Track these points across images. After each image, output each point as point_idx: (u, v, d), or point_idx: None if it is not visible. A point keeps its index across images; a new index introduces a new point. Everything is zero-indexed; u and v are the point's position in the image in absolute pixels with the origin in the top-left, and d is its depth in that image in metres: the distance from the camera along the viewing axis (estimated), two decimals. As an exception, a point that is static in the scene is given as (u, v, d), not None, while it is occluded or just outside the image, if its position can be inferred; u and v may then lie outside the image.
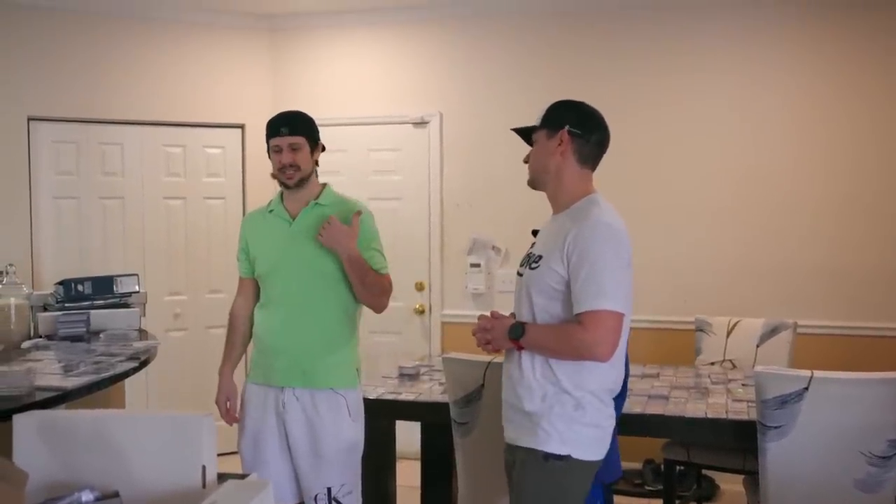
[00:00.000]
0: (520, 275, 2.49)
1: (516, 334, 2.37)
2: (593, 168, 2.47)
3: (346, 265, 2.91)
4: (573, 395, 2.32)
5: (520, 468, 2.39)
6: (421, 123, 5.42)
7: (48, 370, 2.96)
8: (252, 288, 3.14)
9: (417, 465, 4.62)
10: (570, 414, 2.32)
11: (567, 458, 2.32)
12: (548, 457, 2.32)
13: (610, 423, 2.40)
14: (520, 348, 2.39)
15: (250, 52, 5.61)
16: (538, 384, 2.35)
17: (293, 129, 2.98)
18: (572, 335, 2.29)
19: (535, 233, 2.79)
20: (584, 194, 2.43)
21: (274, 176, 3.04)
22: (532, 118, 2.54)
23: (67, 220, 5.16)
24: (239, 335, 3.18)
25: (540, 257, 2.41)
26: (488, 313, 2.49)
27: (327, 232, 2.88)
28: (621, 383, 2.46)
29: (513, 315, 2.49)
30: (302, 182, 2.99)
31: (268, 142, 3.02)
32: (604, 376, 2.36)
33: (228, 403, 3.10)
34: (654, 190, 4.83)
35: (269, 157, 3.04)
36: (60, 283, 3.97)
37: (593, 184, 2.47)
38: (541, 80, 5.06)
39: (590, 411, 2.33)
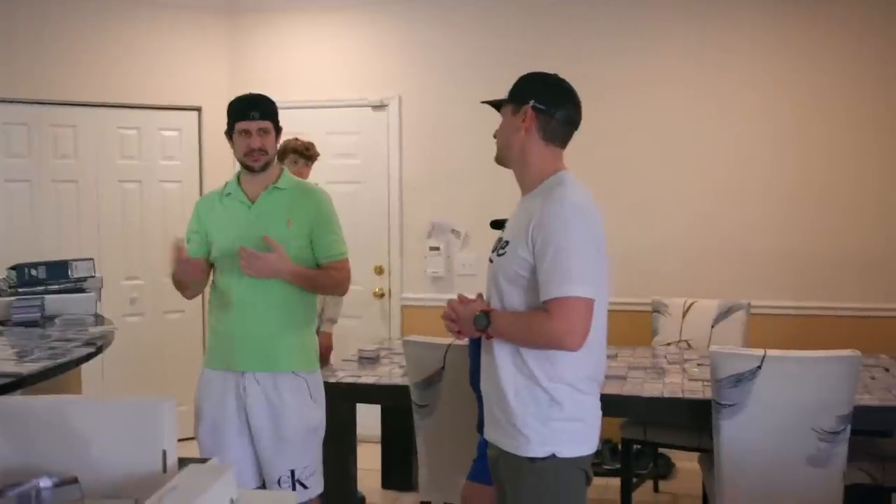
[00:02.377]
0: (491, 262, 2.35)
1: (481, 325, 2.24)
2: (562, 146, 2.31)
3: (293, 281, 2.92)
4: (546, 389, 2.18)
5: (508, 474, 2.28)
6: (380, 107, 5.40)
7: (2, 356, 2.92)
8: (204, 267, 3.08)
9: (378, 448, 4.64)
10: (545, 411, 2.19)
11: (552, 457, 2.18)
12: (533, 460, 2.19)
13: (594, 412, 2.28)
14: (488, 338, 2.27)
15: (208, 34, 5.54)
16: (510, 376, 2.22)
17: (263, 113, 2.97)
18: (539, 324, 2.14)
19: (493, 224, 2.78)
20: (551, 173, 2.27)
21: (238, 159, 3.02)
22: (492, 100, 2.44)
23: (19, 204, 5.06)
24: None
25: (507, 243, 2.26)
26: (455, 296, 2.38)
27: (255, 266, 2.84)
28: (603, 369, 2.33)
29: (480, 297, 2.37)
30: (266, 166, 2.98)
31: (233, 124, 2.98)
32: (579, 364, 2.20)
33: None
34: (611, 173, 4.87)
35: (232, 138, 3.01)
36: (13, 267, 3.91)
37: (563, 162, 2.32)
38: (502, 64, 5.04)
39: (567, 405, 2.19)
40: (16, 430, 1.78)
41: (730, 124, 4.91)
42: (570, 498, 2.23)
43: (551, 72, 2.37)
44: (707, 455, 3.40)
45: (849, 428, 2.96)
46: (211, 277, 3.11)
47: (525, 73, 2.37)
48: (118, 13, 5.24)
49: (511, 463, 2.25)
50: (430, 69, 5.33)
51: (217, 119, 5.32)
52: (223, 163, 5.44)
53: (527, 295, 2.20)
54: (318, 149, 4.35)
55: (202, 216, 3.10)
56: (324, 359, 3.85)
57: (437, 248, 5.31)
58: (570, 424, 2.21)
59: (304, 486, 2.98)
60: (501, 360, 2.24)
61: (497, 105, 2.38)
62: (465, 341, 2.85)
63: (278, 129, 3.03)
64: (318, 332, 4.32)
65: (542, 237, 2.14)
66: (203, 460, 1.75)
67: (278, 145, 3.06)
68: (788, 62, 4.83)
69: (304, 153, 4.25)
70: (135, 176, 5.36)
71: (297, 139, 4.26)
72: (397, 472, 4.61)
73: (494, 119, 2.44)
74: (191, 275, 2.98)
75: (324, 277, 3.02)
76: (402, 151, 5.38)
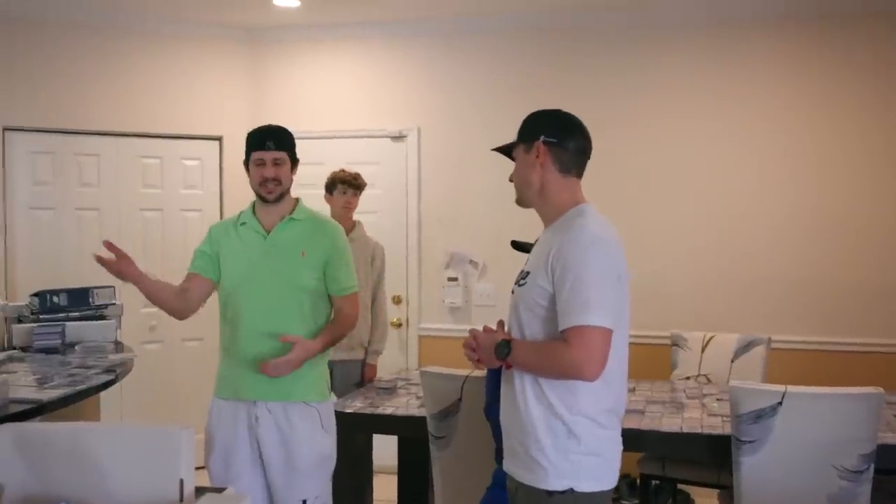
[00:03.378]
0: (513, 292, 2.35)
1: (502, 354, 2.24)
2: (578, 175, 2.34)
3: (322, 351, 2.96)
4: (565, 421, 2.18)
5: None
6: (399, 137, 5.44)
7: (23, 382, 2.94)
8: (198, 284, 3.05)
9: (394, 480, 4.61)
10: (563, 444, 2.18)
11: (570, 491, 2.17)
12: (551, 493, 2.18)
13: (614, 447, 2.27)
14: (508, 367, 2.27)
15: (229, 65, 5.61)
16: (530, 407, 2.21)
17: (278, 143, 2.99)
18: (557, 353, 2.13)
19: (514, 244, 2.78)
20: (571, 205, 2.30)
21: (254, 189, 3.04)
22: (511, 134, 2.47)
23: (43, 231, 5.11)
24: (171, 287, 3.09)
25: (528, 273, 2.28)
26: (480, 328, 2.38)
27: (287, 370, 2.86)
28: (623, 402, 2.31)
29: (501, 326, 2.38)
30: (281, 197, 3.00)
31: (249, 154, 3.01)
32: (599, 396, 2.19)
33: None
34: (631, 205, 4.87)
35: (248, 168, 3.03)
36: (36, 294, 3.94)
37: (582, 193, 2.35)
38: (519, 97, 5.09)
39: (585, 439, 2.18)
40: (35, 457, 1.79)
41: (749, 156, 4.90)
42: None
43: (555, 108, 2.40)
44: (727, 492, 3.35)
45: (872, 467, 2.91)
46: (220, 309, 3.10)
47: (544, 105, 2.40)
48: (142, 45, 5.32)
49: (529, 495, 2.23)
50: (449, 101, 5.36)
51: (238, 148, 5.39)
52: (243, 192, 5.44)
53: (546, 325, 2.21)
54: (328, 178, 4.40)
55: (215, 240, 3.10)
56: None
57: (455, 279, 5.31)
58: (587, 459, 2.19)
59: None
60: (521, 390, 2.24)
61: (507, 151, 2.42)
62: (483, 372, 2.84)
63: (294, 161, 3.05)
64: (363, 363, 4.38)
65: (560, 266, 2.16)
66: (219, 490, 1.75)
67: (294, 176, 3.07)
68: (804, 92, 4.83)
69: (352, 183, 4.33)
70: (156, 204, 5.41)
71: (343, 170, 4.38)
72: (414, 503, 4.58)
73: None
74: (125, 276, 2.94)
75: (339, 329, 3.04)
76: (420, 182, 5.41)
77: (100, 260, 2.87)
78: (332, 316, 3.08)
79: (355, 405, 3.66)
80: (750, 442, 2.96)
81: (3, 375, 2.91)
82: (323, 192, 4.42)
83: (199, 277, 3.06)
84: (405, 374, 4.51)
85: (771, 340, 4.40)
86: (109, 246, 2.87)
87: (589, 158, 2.36)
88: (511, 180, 2.41)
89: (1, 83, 4.93)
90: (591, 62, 5.10)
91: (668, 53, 5.02)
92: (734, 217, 4.91)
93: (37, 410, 2.62)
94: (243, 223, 3.06)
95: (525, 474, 2.24)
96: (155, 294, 3.05)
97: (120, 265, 2.91)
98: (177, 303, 3.08)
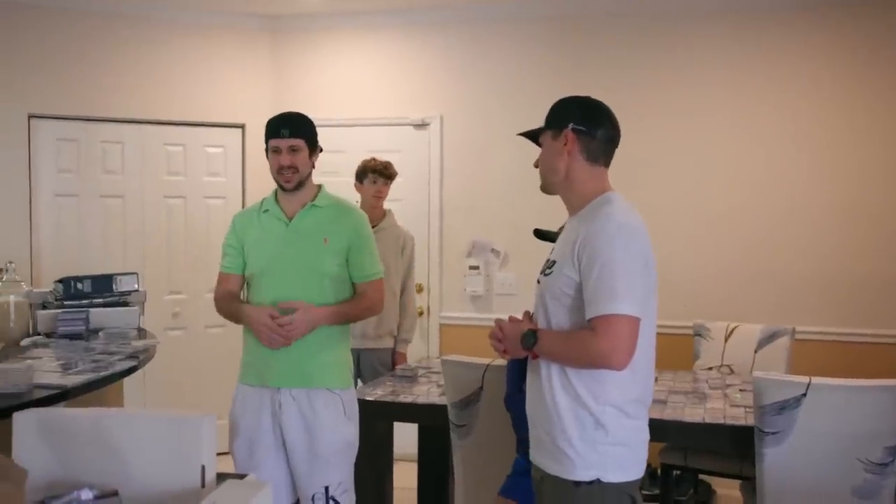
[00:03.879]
0: (538, 282, 2.33)
1: (529, 343, 2.23)
2: (606, 164, 2.31)
3: (331, 323, 2.96)
4: (592, 412, 2.16)
5: (552, 497, 2.25)
6: (421, 125, 5.43)
7: (47, 368, 2.96)
8: (239, 283, 3.10)
9: (414, 468, 4.62)
10: (590, 434, 2.17)
11: (597, 482, 2.16)
12: (578, 483, 2.17)
13: (641, 436, 2.25)
14: (535, 357, 2.26)
15: (252, 53, 5.62)
16: (556, 397, 2.20)
17: (294, 131, 2.98)
18: (585, 343, 2.12)
19: (537, 233, 2.77)
20: (598, 193, 2.27)
21: (273, 177, 3.04)
22: (533, 122, 2.46)
23: (67, 218, 5.16)
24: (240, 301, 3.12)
25: (554, 262, 2.26)
26: (502, 316, 2.37)
27: (292, 334, 2.86)
28: (650, 391, 2.29)
29: (527, 316, 2.37)
30: (300, 184, 3.00)
31: (267, 142, 3.02)
32: (626, 386, 2.17)
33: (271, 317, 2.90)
34: (655, 194, 4.83)
35: (267, 156, 3.03)
36: (60, 280, 3.97)
37: (608, 182, 2.32)
38: (542, 84, 5.07)
39: (612, 429, 2.17)
40: (59, 442, 1.81)
41: (773, 147, 4.85)
42: None
43: (584, 94, 2.37)
44: (749, 483, 3.33)
45: (897, 459, 2.88)
46: (245, 294, 3.13)
47: (561, 97, 2.37)
48: (166, 34, 5.34)
49: (556, 486, 2.22)
50: (472, 89, 5.34)
51: (260, 136, 5.42)
52: (266, 179, 5.45)
53: (573, 314, 2.19)
54: (359, 166, 4.41)
55: (239, 231, 3.11)
56: None
57: (477, 268, 5.30)
58: (614, 449, 2.18)
59: (337, 503, 2.98)
60: (548, 380, 2.23)
61: (534, 136, 2.39)
62: (499, 359, 2.83)
63: (313, 148, 3.04)
64: (393, 352, 4.40)
65: (587, 255, 2.14)
66: (240, 476, 1.76)
67: (314, 163, 3.06)
68: (831, 87, 4.76)
69: (382, 172, 4.34)
70: (180, 192, 5.44)
71: (374, 159, 4.38)
72: (434, 491, 4.58)
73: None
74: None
75: (356, 308, 3.03)
76: (443, 170, 5.40)
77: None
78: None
79: (376, 393, 3.67)
80: (773, 433, 2.94)
81: (28, 361, 2.94)
82: (345, 179, 4.42)
83: (237, 277, 3.09)
84: (426, 363, 4.52)
85: (795, 331, 4.36)
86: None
87: (617, 147, 2.34)
88: (536, 166, 2.38)
89: (27, 71, 4.97)
90: (611, 49, 5.06)
91: (689, 43, 4.97)
92: (760, 210, 4.86)
93: (61, 396, 2.64)
94: (266, 210, 3.07)
95: (551, 464, 2.23)
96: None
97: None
98: None
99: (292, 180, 2.98)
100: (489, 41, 5.30)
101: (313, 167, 3.06)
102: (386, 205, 4.47)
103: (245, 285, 3.12)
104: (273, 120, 3.04)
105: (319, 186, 3.11)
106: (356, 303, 3.04)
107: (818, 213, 4.79)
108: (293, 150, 2.97)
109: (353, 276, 3.04)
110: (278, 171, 2.98)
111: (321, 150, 3.09)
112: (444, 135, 5.39)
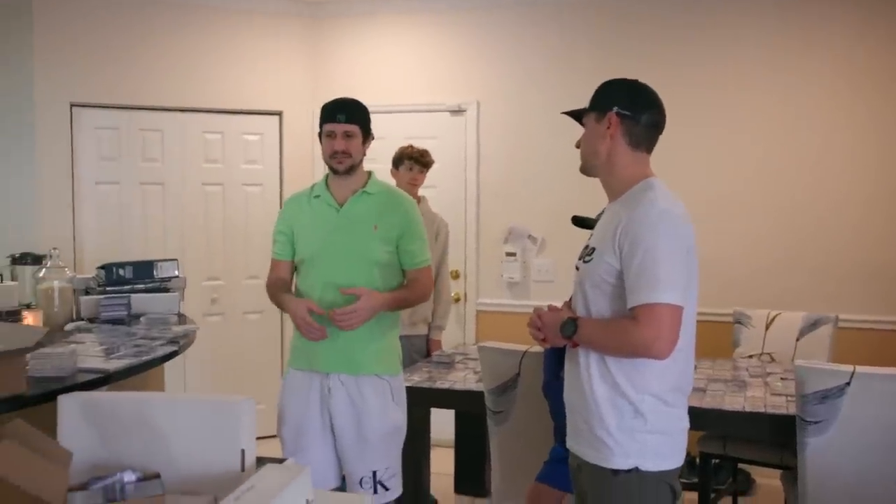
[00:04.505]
0: (577, 269, 2.30)
1: (568, 332, 2.20)
2: (648, 150, 2.27)
3: (390, 309, 2.97)
4: (631, 400, 2.14)
5: (590, 485, 2.24)
6: (458, 112, 5.41)
7: (90, 352, 3.01)
8: (289, 269, 3.13)
9: (451, 453, 4.64)
10: (629, 423, 2.15)
11: (635, 470, 2.14)
12: (616, 472, 2.15)
13: (680, 425, 2.23)
14: (574, 345, 2.23)
15: (289, 40, 5.63)
16: (594, 385, 2.18)
17: (349, 116, 2.99)
18: (626, 331, 2.09)
19: (575, 220, 2.75)
20: (639, 179, 2.23)
21: (325, 161, 3.06)
22: (569, 107, 2.41)
23: (109, 206, 5.23)
24: (288, 290, 3.14)
25: (594, 249, 2.23)
26: (539, 303, 2.35)
27: (354, 322, 2.85)
28: (690, 380, 2.26)
29: (567, 305, 2.35)
30: (351, 169, 3.01)
31: (321, 126, 3.02)
32: (665, 374, 2.15)
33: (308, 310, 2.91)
34: (696, 181, 4.77)
35: (321, 141, 3.04)
36: (102, 267, 4.02)
37: (650, 168, 2.28)
38: (579, 69, 5.02)
39: (651, 418, 2.14)
40: (102, 425, 1.83)
41: (816, 131, 4.76)
42: None
43: (631, 77, 2.33)
44: (790, 473, 3.29)
45: (943, 450, 2.83)
46: (295, 280, 3.15)
47: (605, 80, 2.34)
48: (204, 21, 5.38)
49: (593, 474, 2.21)
50: (508, 75, 5.31)
51: (298, 123, 5.41)
52: (303, 166, 5.54)
53: (613, 302, 2.17)
54: (395, 153, 4.41)
55: (288, 217, 3.13)
56: None
57: (514, 254, 5.29)
58: (653, 437, 2.16)
59: (386, 488, 3.00)
60: (586, 369, 2.21)
61: (578, 116, 2.35)
62: (536, 346, 2.82)
63: (367, 135, 3.05)
64: (427, 338, 4.41)
65: (629, 242, 2.11)
66: (280, 460, 1.77)
67: (366, 150, 3.07)
68: (877, 69, 4.65)
69: (419, 160, 4.34)
70: (218, 179, 5.48)
71: (411, 146, 4.38)
72: (470, 477, 4.60)
73: (572, 124, 2.42)
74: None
75: (413, 294, 3.05)
76: (479, 156, 5.38)
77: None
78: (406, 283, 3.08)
79: (413, 379, 3.68)
80: (816, 422, 2.90)
81: (72, 345, 2.99)
82: (382, 165, 4.42)
83: (287, 263, 3.12)
84: (463, 349, 4.52)
85: (838, 319, 4.29)
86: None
87: (661, 133, 2.30)
88: (578, 146, 2.35)
89: (68, 59, 5.03)
90: (653, 33, 4.99)
91: (729, 22, 4.88)
92: (804, 195, 4.78)
93: (103, 380, 2.68)
94: (317, 196, 3.08)
95: (589, 452, 2.22)
96: None
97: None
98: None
99: (344, 163, 2.99)
100: (526, 26, 5.26)
101: (364, 154, 3.07)
102: (421, 191, 4.47)
103: (295, 270, 3.13)
104: (329, 104, 3.05)
105: (370, 173, 3.11)
106: (412, 289, 3.05)
107: (862, 199, 4.69)
108: (347, 135, 2.98)
109: (403, 263, 3.04)
110: (331, 156, 2.99)
111: (373, 138, 3.10)
112: (481, 121, 5.36)
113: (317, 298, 2.99)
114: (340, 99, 3.08)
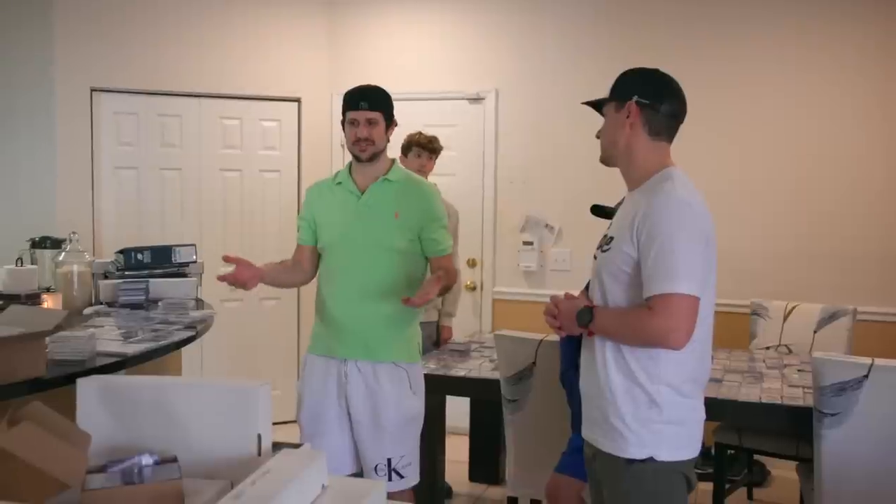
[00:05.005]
0: (595, 258, 2.30)
1: (584, 321, 2.19)
2: (669, 140, 2.26)
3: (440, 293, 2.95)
4: (646, 390, 2.13)
5: (605, 474, 2.24)
6: (477, 100, 5.39)
7: (109, 336, 3.03)
8: (308, 255, 3.15)
9: (466, 441, 4.65)
10: (644, 413, 2.14)
11: (650, 460, 2.14)
12: (631, 461, 2.15)
13: (696, 416, 2.22)
14: (590, 334, 2.23)
15: (307, 26, 5.63)
16: (610, 374, 2.17)
17: (372, 103, 2.99)
18: (642, 321, 2.08)
19: (594, 209, 2.74)
20: (658, 169, 2.22)
21: (349, 149, 3.05)
22: (588, 97, 2.41)
23: (127, 190, 5.25)
24: (286, 267, 3.18)
25: (612, 239, 2.22)
26: (555, 292, 2.35)
27: (425, 298, 2.81)
28: (707, 371, 2.26)
29: (584, 294, 2.34)
30: (374, 157, 3.01)
31: (344, 113, 3.02)
32: (681, 364, 2.14)
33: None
34: (714, 172, 4.73)
35: (343, 128, 3.04)
36: (121, 251, 4.05)
37: (670, 158, 2.26)
38: (598, 59, 4.99)
39: (666, 408, 2.14)
40: (120, 408, 1.85)
41: (834, 122, 4.72)
42: (670, 503, 2.19)
43: (651, 67, 2.32)
44: (806, 464, 3.28)
45: (961, 444, 2.81)
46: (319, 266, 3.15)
47: (624, 69, 2.33)
48: (223, 7, 5.38)
49: (608, 463, 2.21)
50: (527, 63, 5.29)
51: (316, 110, 5.40)
52: (321, 153, 5.54)
53: (630, 291, 2.16)
54: (404, 140, 4.39)
55: (311, 204, 3.15)
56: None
57: (531, 243, 5.28)
58: (668, 427, 2.15)
59: (401, 476, 3.00)
60: (602, 358, 2.20)
61: (598, 105, 2.34)
62: (552, 335, 2.81)
63: (390, 122, 3.04)
64: (437, 325, 4.41)
65: (646, 232, 2.10)
66: (296, 445, 1.77)
67: (388, 137, 3.07)
68: (882, 64, 4.61)
69: (427, 146, 4.33)
70: (236, 165, 5.50)
71: (420, 133, 4.37)
72: (485, 465, 4.61)
73: (590, 114, 2.41)
74: (248, 279, 2.95)
75: (448, 279, 2.96)
76: (497, 145, 5.37)
77: (223, 279, 2.92)
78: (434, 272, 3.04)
79: (429, 366, 3.69)
80: (833, 415, 2.88)
81: (91, 329, 3.01)
82: (399, 153, 4.42)
83: (307, 248, 3.13)
84: (479, 337, 4.52)
85: (857, 312, 4.26)
86: (227, 259, 2.92)
87: (681, 123, 2.28)
88: (598, 137, 2.34)
89: (89, 45, 5.05)
90: (675, 24, 4.95)
91: (746, 15, 4.82)
92: (822, 186, 4.74)
93: (122, 364, 2.70)
94: (339, 183, 3.09)
95: (604, 441, 2.22)
96: (277, 281, 3.19)
97: (243, 275, 2.92)
98: (297, 277, 3.20)
99: (367, 151, 2.98)
100: (545, 13, 5.23)
101: (388, 141, 3.07)
102: (439, 179, 4.46)
103: (319, 257, 3.13)
104: (352, 92, 3.04)
105: (393, 161, 3.11)
106: (447, 276, 2.96)
107: (880, 190, 4.65)
108: (370, 122, 2.98)
109: (426, 251, 3.03)
110: (354, 143, 2.99)
111: (396, 125, 3.09)
112: (499, 109, 5.35)
113: (338, 284, 3.00)
114: (363, 86, 3.07)
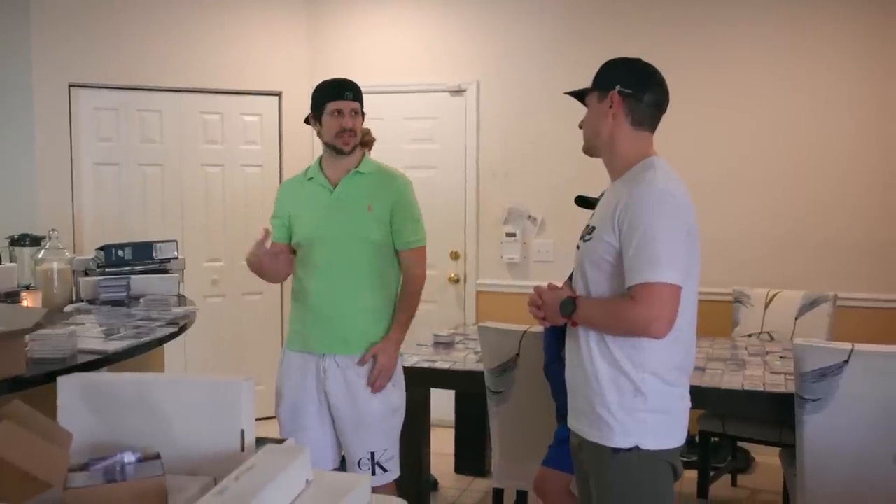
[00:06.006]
0: (578, 248, 2.31)
1: (568, 311, 2.21)
2: (651, 129, 2.26)
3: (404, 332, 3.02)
4: (631, 379, 2.14)
5: (591, 464, 2.25)
6: (458, 92, 5.39)
7: (90, 334, 3.01)
8: (283, 252, 3.11)
9: (451, 433, 4.65)
10: (629, 402, 2.14)
11: (636, 449, 2.15)
12: (616, 450, 2.16)
13: (681, 404, 2.23)
14: (574, 324, 2.23)
15: (287, 20, 5.60)
16: (595, 364, 2.18)
17: (356, 94, 2.98)
18: (624, 311, 2.09)
19: (578, 200, 2.74)
20: (641, 158, 2.22)
21: (327, 141, 3.00)
22: (569, 87, 2.39)
23: (108, 187, 5.22)
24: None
25: (594, 228, 2.22)
26: (539, 283, 2.35)
27: (386, 378, 2.95)
28: (692, 359, 2.26)
29: (567, 285, 2.34)
30: (354, 148, 2.99)
31: (325, 104, 2.97)
32: (666, 353, 2.14)
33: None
34: (696, 160, 4.74)
35: (321, 120, 2.99)
36: (101, 248, 4.02)
37: (653, 147, 2.27)
38: (580, 49, 4.99)
39: (651, 397, 2.14)
40: (102, 406, 1.84)
41: (816, 109, 4.74)
42: (656, 491, 2.20)
43: (634, 57, 2.32)
44: (789, 450, 3.31)
45: (941, 427, 2.84)
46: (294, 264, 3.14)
47: (606, 59, 2.33)
48: (202, 1, 5.34)
49: (594, 453, 2.22)
50: (508, 55, 5.28)
51: (297, 104, 5.38)
52: (303, 147, 5.52)
53: (612, 281, 2.16)
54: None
55: (283, 202, 3.12)
56: None
57: (514, 235, 5.28)
58: (653, 416, 2.16)
59: (384, 470, 3.00)
60: (586, 347, 2.21)
61: (580, 95, 2.34)
62: (536, 326, 2.82)
63: (363, 114, 3.04)
64: None
65: (628, 221, 2.10)
66: (280, 440, 1.77)
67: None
68: (881, 50, 4.63)
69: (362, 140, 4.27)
70: (217, 160, 5.47)
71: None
72: (470, 457, 4.62)
73: (573, 105, 2.41)
74: (269, 265, 2.98)
75: (411, 299, 3.03)
76: (479, 137, 5.36)
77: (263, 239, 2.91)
78: (402, 281, 3.04)
79: (413, 359, 3.69)
80: (814, 400, 2.91)
81: (72, 327, 2.99)
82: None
83: (282, 245, 3.09)
84: (463, 330, 4.53)
85: (837, 298, 4.30)
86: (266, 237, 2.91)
87: (664, 112, 2.28)
88: (581, 127, 2.34)
89: (66, 40, 5.00)
90: (659, 12, 4.95)
91: (731, 3, 4.84)
92: (803, 173, 4.77)
93: (103, 361, 2.68)
94: (310, 178, 3.07)
95: (590, 431, 2.22)
96: (273, 268, 3.08)
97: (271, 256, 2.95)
98: (280, 273, 3.13)
99: (350, 143, 2.96)
100: (526, 5, 5.23)
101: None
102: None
103: (294, 254, 3.11)
104: (333, 82, 3.02)
105: (363, 153, 3.10)
106: (408, 295, 3.03)
107: (862, 178, 4.68)
108: (354, 112, 2.97)
109: (396, 243, 3.02)
110: (338, 134, 2.95)
111: (364, 117, 3.08)
112: (481, 101, 5.34)
113: (315, 281, 2.99)
114: (341, 78, 3.06)
